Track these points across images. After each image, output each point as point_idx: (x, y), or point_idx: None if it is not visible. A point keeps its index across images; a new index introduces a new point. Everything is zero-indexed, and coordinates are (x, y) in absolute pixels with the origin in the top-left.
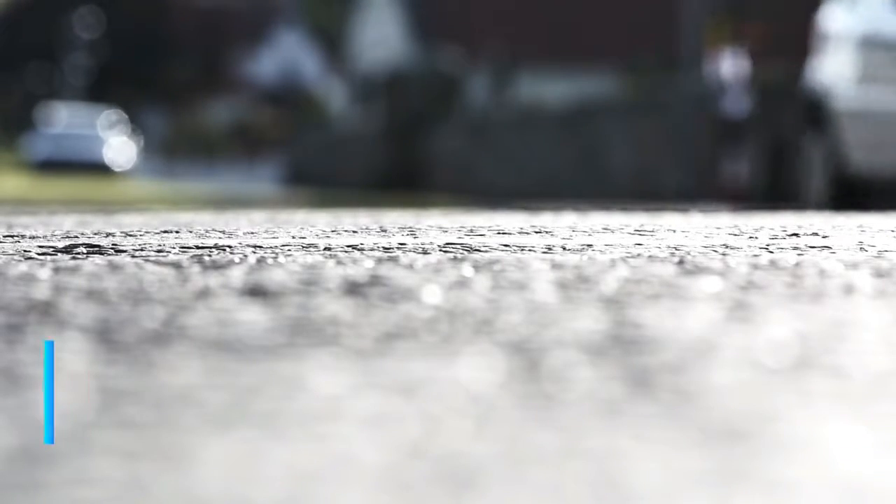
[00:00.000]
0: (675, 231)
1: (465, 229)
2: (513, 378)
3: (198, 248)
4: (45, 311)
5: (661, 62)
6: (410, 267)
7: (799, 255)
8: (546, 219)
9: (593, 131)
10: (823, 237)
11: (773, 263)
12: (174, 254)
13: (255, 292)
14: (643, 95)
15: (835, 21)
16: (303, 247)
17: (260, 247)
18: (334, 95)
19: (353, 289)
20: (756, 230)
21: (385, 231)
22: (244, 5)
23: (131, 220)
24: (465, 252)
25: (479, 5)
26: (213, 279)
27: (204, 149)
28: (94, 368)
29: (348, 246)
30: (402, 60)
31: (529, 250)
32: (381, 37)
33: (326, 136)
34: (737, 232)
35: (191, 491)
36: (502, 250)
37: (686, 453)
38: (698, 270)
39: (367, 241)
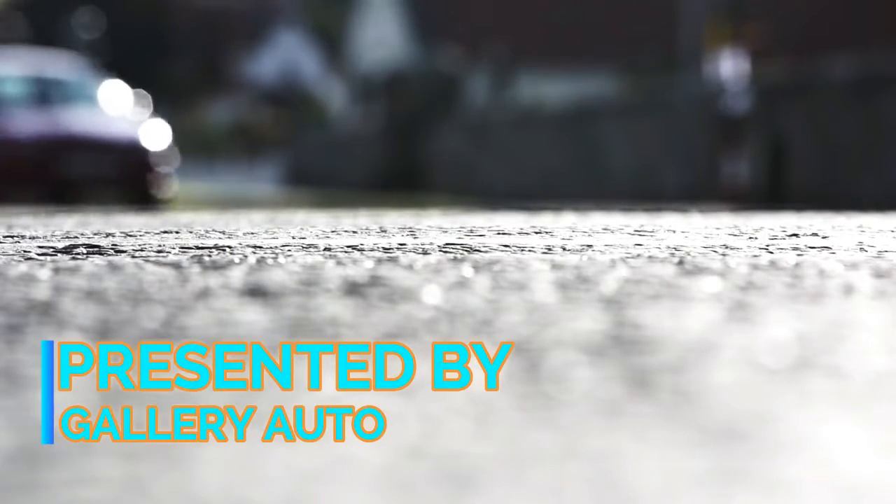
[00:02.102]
0: (674, 231)
1: (464, 230)
2: (512, 378)
3: (198, 248)
4: (45, 311)
5: (661, 62)
6: (410, 267)
7: (799, 255)
8: (546, 219)
9: (593, 131)
10: (823, 237)
11: (772, 264)
12: (174, 254)
13: (255, 293)
14: (643, 95)
15: None
16: (303, 247)
17: (260, 247)
18: (334, 95)
19: (352, 289)
20: (756, 230)
21: (385, 231)
22: (244, 5)
23: (131, 221)
24: (464, 252)
25: (479, 5)
26: (213, 279)
27: (204, 149)
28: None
29: (348, 246)
30: (402, 60)
31: (529, 251)
32: (381, 37)
33: (326, 136)
34: (736, 232)
35: (191, 491)
36: (502, 251)
37: (686, 453)
38: (698, 271)
39: (367, 241)
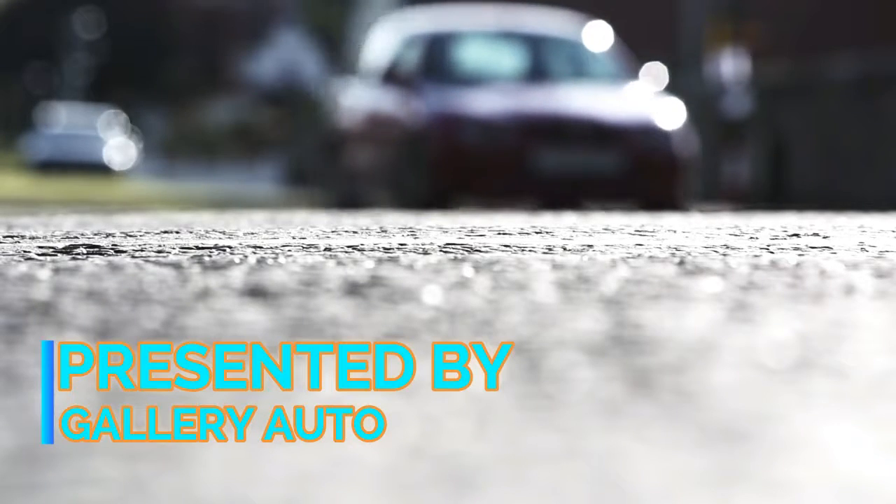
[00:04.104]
0: (675, 231)
1: (465, 230)
2: (513, 378)
3: (198, 248)
4: (45, 311)
5: (661, 62)
6: (411, 267)
7: (800, 255)
8: (546, 219)
9: None
10: (824, 237)
11: (773, 264)
12: (174, 254)
13: (256, 293)
14: None
15: None
16: (303, 247)
17: (260, 247)
18: None
19: (353, 289)
20: (756, 230)
21: (385, 231)
22: (244, 5)
23: (131, 221)
24: (465, 252)
25: None
26: (214, 280)
27: (204, 149)
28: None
29: (348, 246)
30: None
31: (530, 251)
32: None
33: None
34: (737, 232)
35: (191, 491)
36: (503, 251)
37: (686, 453)
38: (699, 271)
39: (368, 241)
